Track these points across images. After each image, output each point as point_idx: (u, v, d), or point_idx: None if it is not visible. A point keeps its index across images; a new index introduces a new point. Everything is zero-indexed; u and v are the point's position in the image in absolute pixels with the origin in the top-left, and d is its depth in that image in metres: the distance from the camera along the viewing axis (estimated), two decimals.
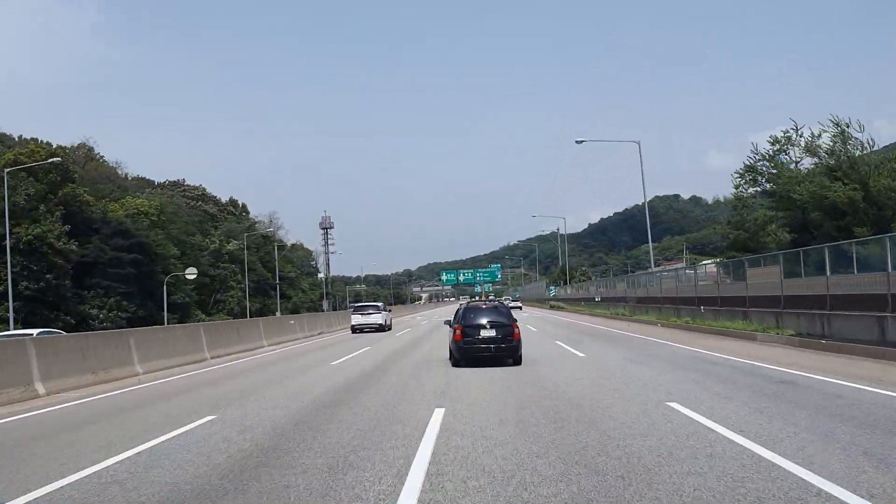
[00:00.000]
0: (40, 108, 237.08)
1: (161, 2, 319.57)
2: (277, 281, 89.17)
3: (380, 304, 43.45)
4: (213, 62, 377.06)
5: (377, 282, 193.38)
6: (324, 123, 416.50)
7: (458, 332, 15.24)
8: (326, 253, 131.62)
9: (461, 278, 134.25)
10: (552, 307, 78.19)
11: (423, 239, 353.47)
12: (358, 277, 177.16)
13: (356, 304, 44.70)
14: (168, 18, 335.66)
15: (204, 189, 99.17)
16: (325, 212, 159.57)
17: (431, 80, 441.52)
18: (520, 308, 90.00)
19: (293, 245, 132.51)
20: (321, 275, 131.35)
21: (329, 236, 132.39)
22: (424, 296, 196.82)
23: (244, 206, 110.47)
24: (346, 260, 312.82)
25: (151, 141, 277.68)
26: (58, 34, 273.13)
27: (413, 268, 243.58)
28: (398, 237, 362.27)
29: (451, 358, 15.85)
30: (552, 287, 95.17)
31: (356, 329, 36.50)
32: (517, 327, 15.48)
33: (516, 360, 15.23)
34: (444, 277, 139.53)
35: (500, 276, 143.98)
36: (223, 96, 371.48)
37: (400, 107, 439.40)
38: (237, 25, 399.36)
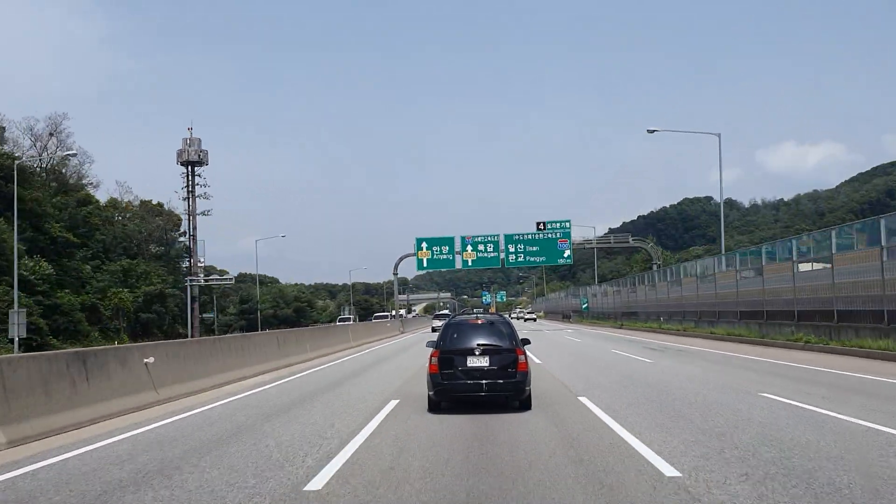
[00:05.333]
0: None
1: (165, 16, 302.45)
2: None
3: (448, 313, 59.96)
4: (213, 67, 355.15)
5: (367, 290, 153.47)
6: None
7: (434, 360, 10.80)
8: (189, 213, 69.03)
9: (479, 252, 56.75)
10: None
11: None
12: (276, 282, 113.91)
13: (437, 313, 55.91)
14: (176, 27, 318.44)
15: None
16: (189, 130, 70.70)
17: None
18: (534, 320, 77.54)
19: (142, 203, 78.88)
20: (197, 261, 71.53)
21: (197, 176, 69.14)
22: (418, 308, 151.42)
23: None
24: (346, 264, 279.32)
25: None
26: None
27: (410, 276, 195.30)
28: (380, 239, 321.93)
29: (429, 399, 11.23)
30: None
31: (435, 329, 45.95)
32: (523, 353, 10.78)
33: (523, 403, 10.83)
34: (420, 255, 56.16)
35: (569, 256, 59.40)
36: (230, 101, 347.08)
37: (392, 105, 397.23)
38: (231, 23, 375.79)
